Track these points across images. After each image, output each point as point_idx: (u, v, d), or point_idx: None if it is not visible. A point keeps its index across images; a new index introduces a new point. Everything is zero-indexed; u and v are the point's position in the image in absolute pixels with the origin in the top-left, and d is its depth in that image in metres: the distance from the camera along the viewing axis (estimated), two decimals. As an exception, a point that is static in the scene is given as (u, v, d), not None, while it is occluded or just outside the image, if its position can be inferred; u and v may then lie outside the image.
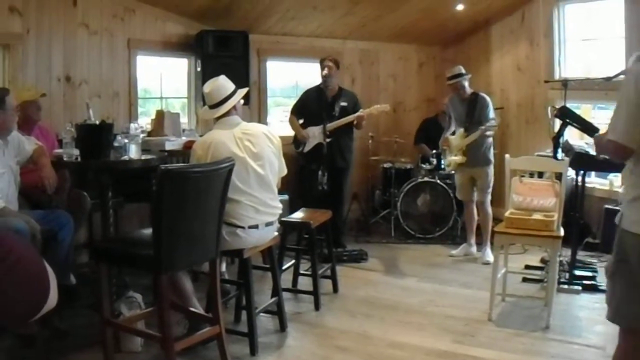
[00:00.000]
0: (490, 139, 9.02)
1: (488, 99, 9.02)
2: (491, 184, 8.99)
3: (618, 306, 3.87)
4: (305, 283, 7.42)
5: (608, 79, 7.89)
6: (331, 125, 8.95)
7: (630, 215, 3.77)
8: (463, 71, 9.05)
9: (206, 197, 4.93)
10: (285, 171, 6.12)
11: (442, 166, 10.29)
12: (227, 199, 5.18)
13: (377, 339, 6.13)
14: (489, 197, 9.03)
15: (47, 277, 1.76)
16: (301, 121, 9.58)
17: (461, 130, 8.96)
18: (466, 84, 9.03)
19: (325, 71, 9.17)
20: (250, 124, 6.02)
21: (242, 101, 6.01)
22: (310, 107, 9.37)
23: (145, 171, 6.68)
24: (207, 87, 5.82)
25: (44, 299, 1.74)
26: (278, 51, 11.40)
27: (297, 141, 9.50)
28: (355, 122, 9.26)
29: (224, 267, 6.99)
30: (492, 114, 8.92)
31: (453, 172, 9.36)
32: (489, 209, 9.04)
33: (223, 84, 5.83)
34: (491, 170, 8.98)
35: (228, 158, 5.18)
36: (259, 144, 5.71)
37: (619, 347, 3.95)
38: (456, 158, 8.93)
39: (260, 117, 10.90)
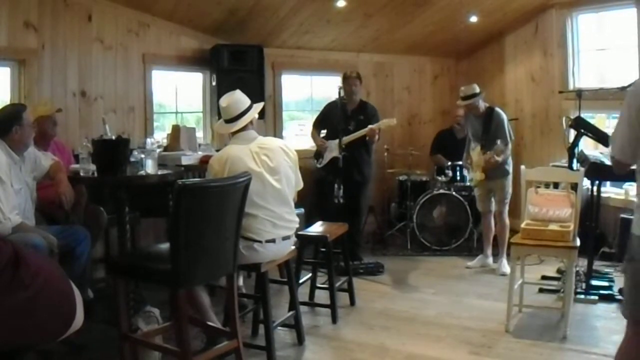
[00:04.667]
0: (509, 152, 8.99)
1: (503, 115, 9.00)
2: (509, 195, 8.97)
3: (626, 300, 4.18)
4: (322, 296, 7.43)
5: (622, 88, 7.88)
6: (345, 139, 8.94)
7: (637, 219, 4.01)
8: (477, 90, 9.03)
9: (223, 212, 4.94)
10: (301, 185, 6.12)
11: (458, 178, 10.32)
12: (244, 214, 5.19)
13: (394, 351, 6.12)
14: (507, 208, 9.01)
15: (73, 296, 1.77)
16: (323, 134, 9.64)
17: (478, 147, 8.96)
18: (480, 102, 9.03)
19: (351, 88, 9.17)
20: (266, 138, 6.03)
21: (256, 115, 6.02)
22: (331, 120, 9.36)
23: (162, 186, 6.70)
24: (224, 101, 5.83)
25: (71, 318, 1.75)
26: (293, 65, 11.44)
27: (318, 154, 9.53)
28: (367, 137, 9.26)
29: (241, 281, 7.00)
30: (507, 131, 8.89)
31: (475, 187, 9.32)
32: (507, 220, 9.02)
33: (240, 98, 5.84)
34: (509, 181, 8.96)
35: (245, 172, 5.18)
36: (275, 158, 5.71)
37: (624, 336, 4.15)
38: (476, 175, 8.94)
39: (276, 131, 10.92)
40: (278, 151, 5.80)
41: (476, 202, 9.45)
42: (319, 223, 7.66)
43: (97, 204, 7.22)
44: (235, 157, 5.54)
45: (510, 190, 8.98)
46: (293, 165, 5.94)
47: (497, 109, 9.09)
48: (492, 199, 9.13)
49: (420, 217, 10.31)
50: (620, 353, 4.21)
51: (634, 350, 4.12)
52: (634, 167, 4.14)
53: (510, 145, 8.99)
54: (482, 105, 9.08)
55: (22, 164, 6.09)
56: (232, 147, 5.70)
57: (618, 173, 4.42)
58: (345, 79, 9.42)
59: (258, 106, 5.98)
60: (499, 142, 8.66)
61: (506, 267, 8.52)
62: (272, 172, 5.65)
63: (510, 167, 9.00)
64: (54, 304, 1.69)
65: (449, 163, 10.50)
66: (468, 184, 9.58)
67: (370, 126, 9.14)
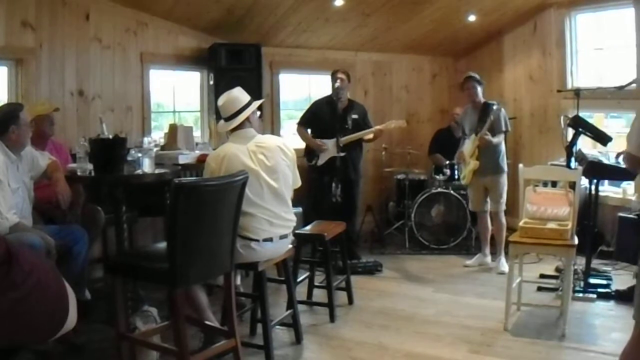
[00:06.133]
0: (503, 147, 9.03)
1: (501, 107, 9.00)
2: (504, 194, 8.95)
3: (637, 304, 4.10)
4: (320, 295, 7.41)
5: (620, 87, 7.91)
6: (346, 139, 8.94)
7: None
8: (477, 76, 9.09)
9: (220, 211, 4.93)
10: (299, 183, 6.11)
11: (456, 177, 10.30)
12: (241, 212, 5.18)
13: (393, 350, 6.12)
14: (503, 207, 8.99)
15: (66, 296, 1.76)
16: (309, 131, 9.60)
17: (473, 135, 8.95)
18: (478, 88, 9.05)
19: (338, 83, 9.15)
20: (264, 137, 6.02)
21: (258, 113, 6.02)
22: (322, 119, 9.36)
23: (159, 185, 6.69)
24: (221, 99, 5.83)
25: (64, 318, 1.74)
26: (291, 63, 11.43)
27: (310, 154, 9.47)
28: (372, 136, 9.28)
29: (238, 280, 6.98)
30: (503, 120, 8.90)
31: (467, 185, 9.29)
32: (503, 219, 9.00)
33: (237, 96, 5.85)
34: (504, 179, 8.95)
35: (242, 171, 5.17)
36: (273, 158, 5.71)
37: (631, 337, 4.19)
38: (470, 166, 8.92)
39: (273, 129, 10.89)
40: (276, 150, 5.79)
41: (469, 202, 9.45)
42: (317, 222, 7.64)
43: (94, 204, 7.21)
44: (232, 155, 5.54)
45: (505, 188, 8.96)
46: (291, 163, 5.93)
47: (494, 102, 9.10)
48: (487, 199, 9.12)
49: (419, 215, 10.31)
50: (624, 354, 4.24)
51: (638, 353, 4.14)
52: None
53: (504, 136, 9.04)
54: (480, 95, 9.11)
55: (19, 164, 6.07)
56: (230, 145, 5.70)
57: (631, 168, 4.57)
58: (332, 74, 9.47)
59: (256, 103, 5.98)
60: (494, 107, 8.70)
61: (504, 266, 8.48)
62: (269, 171, 5.65)
63: (505, 165, 9.00)
64: (46, 304, 1.67)
65: (447, 162, 10.49)
66: (462, 181, 9.50)
67: (378, 127, 9.20)
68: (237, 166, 5.41)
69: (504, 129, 8.92)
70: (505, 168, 8.99)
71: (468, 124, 9.21)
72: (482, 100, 9.09)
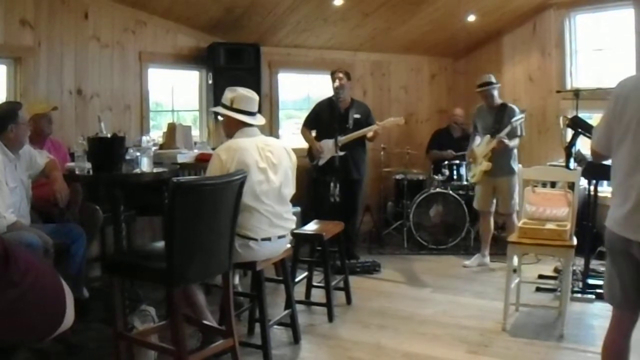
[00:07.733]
0: (515, 150, 9.03)
1: (517, 109, 9.04)
2: (516, 195, 8.88)
3: (604, 287, 4.60)
4: (318, 295, 7.40)
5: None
6: (345, 139, 8.92)
7: (610, 212, 4.73)
8: (493, 80, 9.13)
9: (219, 210, 4.92)
10: (294, 190, 6.08)
11: (455, 177, 10.31)
12: (244, 207, 5.21)
13: (391, 350, 6.10)
14: (516, 208, 8.87)
15: (64, 295, 1.75)
16: (314, 133, 9.58)
17: (487, 136, 8.96)
18: (495, 93, 9.09)
19: (337, 83, 9.15)
20: (269, 138, 6.07)
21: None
22: (323, 119, 9.35)
23: (157, 184, 6.68)
24: (249, 92, 5.85)
25: (61, 318, 1.73)
26: (289, 63, 11.42)
27: (312, 154, 9.46)
28: (372, 134, 9.26)
29: (236, 279, 6.98)
30: (519, 124, 8.90)
31: (476, 183, 9.29)
32: (517, 222, 8.94)
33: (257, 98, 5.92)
34: (515, 180, 8.89)
35: (240, 170, 5.17)
36: (278, 157, 5.74)
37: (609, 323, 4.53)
38: (481, 166, 8.92)
39: (272, 129, 10.87)
40: (281, 150, 5.85)
41: (475, 200, 9.43)
42: (315, 221, 7.63)
43: (92, 202, 7.20)
44: (244, 149, 5.52)
45: (516, 189, 8.91)
46: (293, 167, 5.96)
47: (511, 105, 9.18)
48: (493, 199, 9.12)
49: (417, 215, 10.30)
50: (605, 342, 4.35)
51: (617, 336, 4.36)
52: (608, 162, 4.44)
53: (519, 140, 9.03)
54: (497, 97, 9.15)
55: (17, 162, 6.06)
56: (239, 140, 5.67)
57: (595, 162, 5.15)
58: (332, 74, 9.45)
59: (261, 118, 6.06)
60: (518, 115, 8.73)
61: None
62: (274, 169, 5.67)
63: (516, 166, 8.97)
64: (44, 303, 1.67)
65: (446, 162, 10.50)
66: (470, 180, 9.50)
67: (376, 125, 9.17)
68: (248, 159, 5.42)
69: (518, 133, 8.92)
70: (516, 169, 8.97)
71: (482, 123, 9.22)
72: (500, 101, 9.11)
